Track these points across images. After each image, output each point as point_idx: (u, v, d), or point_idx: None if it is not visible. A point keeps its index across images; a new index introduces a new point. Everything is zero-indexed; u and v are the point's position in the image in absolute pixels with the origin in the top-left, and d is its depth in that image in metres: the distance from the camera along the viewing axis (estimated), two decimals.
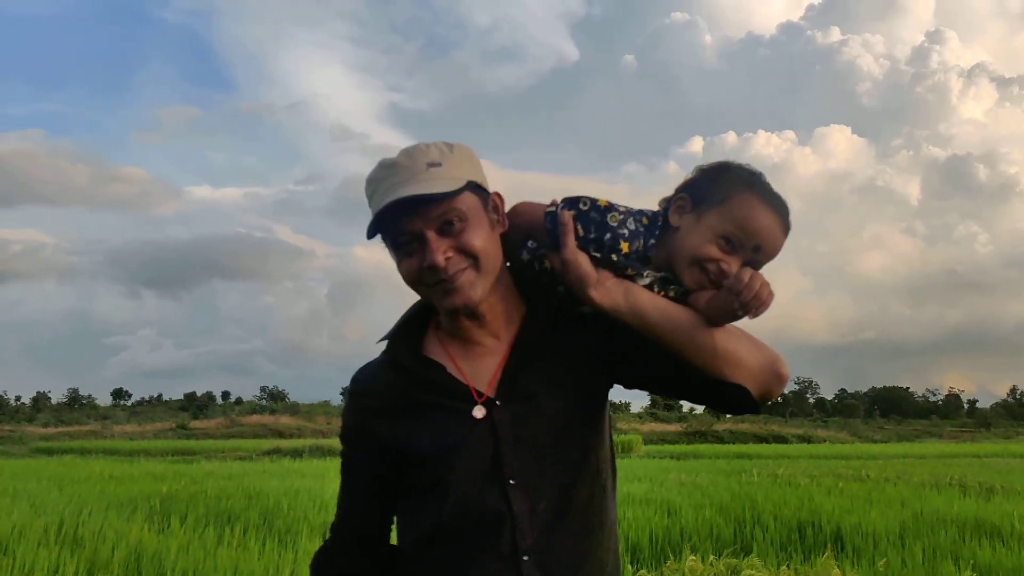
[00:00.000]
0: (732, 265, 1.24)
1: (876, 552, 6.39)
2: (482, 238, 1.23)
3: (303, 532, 7.02)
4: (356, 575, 1.35)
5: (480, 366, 1.28)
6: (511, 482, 1.22)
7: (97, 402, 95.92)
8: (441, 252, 1.19)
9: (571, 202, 1.26)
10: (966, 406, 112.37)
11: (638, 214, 1.29)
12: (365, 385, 1.34)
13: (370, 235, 1.21)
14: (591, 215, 1.25)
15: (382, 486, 1.32)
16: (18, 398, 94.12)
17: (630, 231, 1.26)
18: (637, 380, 1.31)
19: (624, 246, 1.25)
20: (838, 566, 5.53)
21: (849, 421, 74.95)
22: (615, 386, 1.35)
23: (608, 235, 1.24)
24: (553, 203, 1.28)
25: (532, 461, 1.23)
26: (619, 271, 1.26)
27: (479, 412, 1.24)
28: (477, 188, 1.24)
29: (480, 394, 1.26)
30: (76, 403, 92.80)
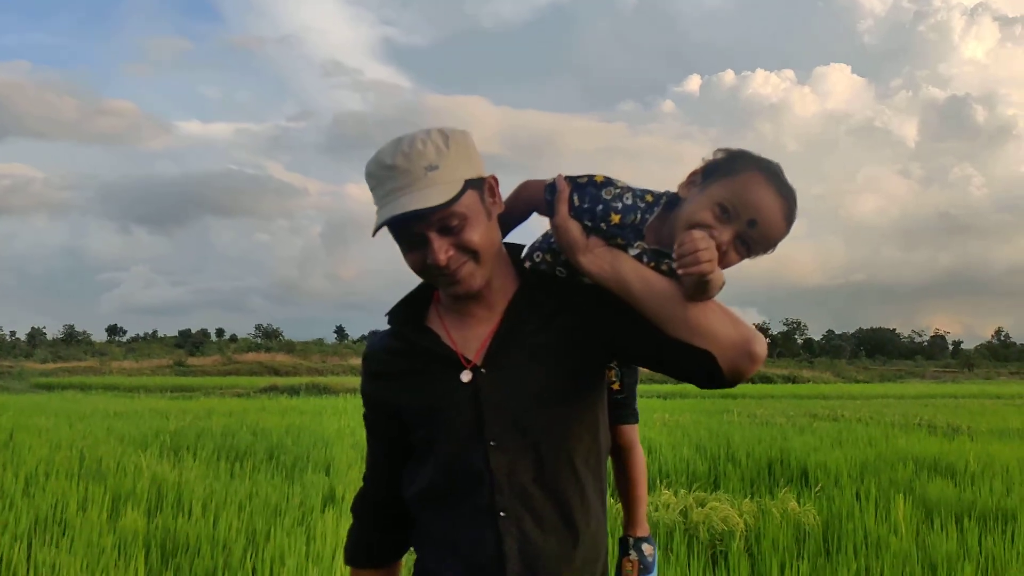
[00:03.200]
0: (723, 234, 1.26)
1: (836, 487, 6.94)
2: (480, 233, 1.28)
3: (308, 468, 7.52)
4: (378, 527, 1.51)
5: (471, 335, 1.36)
6: (491, 443, 1.30)
7: (93, 338, 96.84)
8: (443, 251, 1.27)
9: (572, 177, 1.35)
10: (951, 347, 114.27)
11: (641, 192, 1.34)
12: (371, 350, 1.46)
13: (374, 234, 1.29)
14: (587, 188, 1.33)
15: (394, 447, 1.45)
16: (13, 333, 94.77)
17: (624, 205, 1.31)
18: (624, 355, 1.37)
19: (615, 217, 1.31)
20: (798, 499, 6.07)
21: (834, 362, 76.33)
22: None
23: (600, 206, 1.31)
24: (560, 175, 1.37)
25: (512, 425, 1.31)
26: (610, 240, 1.31)
27: (466, 376, 1.32)
28: (475, 182, 1.29)
29: (468, 360, 1.34)
30: (72, 339, 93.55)
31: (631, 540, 1.70)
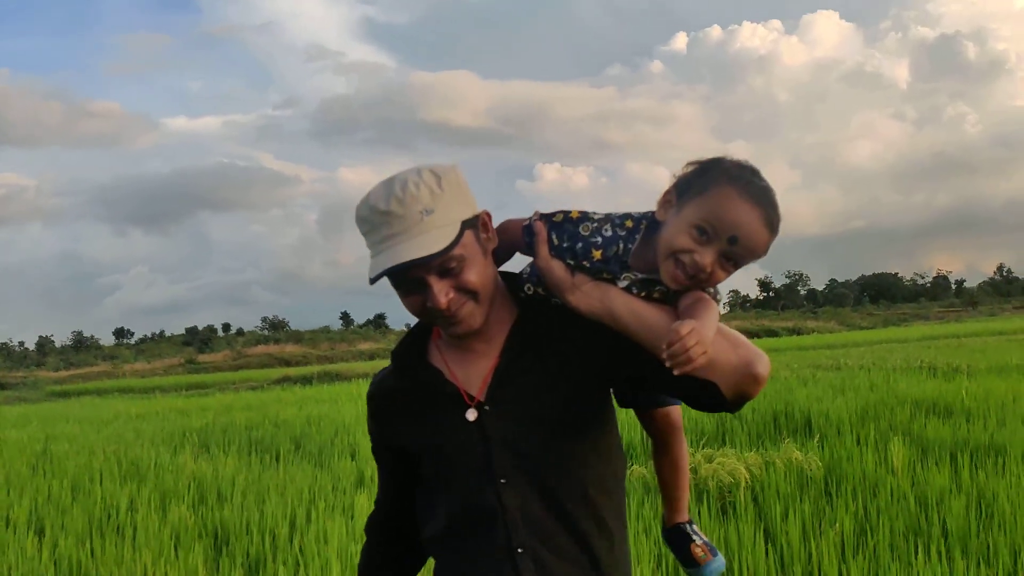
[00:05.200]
0: (705, 256, 1.22)
1: (838, 435, 7.27)
2: (478, 272, 1.28)
3: (334, 455, 7.88)
4: (390, 548, 1.55)
5: (472, 370, 1.35)
6: (502, 481, 1.30)
7: (101, 343, 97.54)
8: (444, 295, 1.26)
9: (547, 216, 1.36)
10: (954, 286, 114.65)
11: (621, 218, 1.32)
12: (374, 390, 1.46)
13: (372, 282, 1.27)
14: (564, 226, 1.33)
15: (402, 478, 1.47)
16: (21, 343, 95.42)
17: (604, 238, 1.30)
18: (624, 382, 1.37)
19: (596, 253, 1.30)
20: (802, 448, 6.40)
21: (838, 310, 76.68)
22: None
23: (580, 244, 1.31)
24: (536, 214, 1.37)
25: (521, 461, 1.30)
26: (597, 275, 1.31)
27: (471, 415, 1.32)
28: (469, 222, 1.29)
29: (472, 397, 1.33)
30: (81, 345, 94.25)
31: (685, 527, 1.66)
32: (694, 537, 1.64)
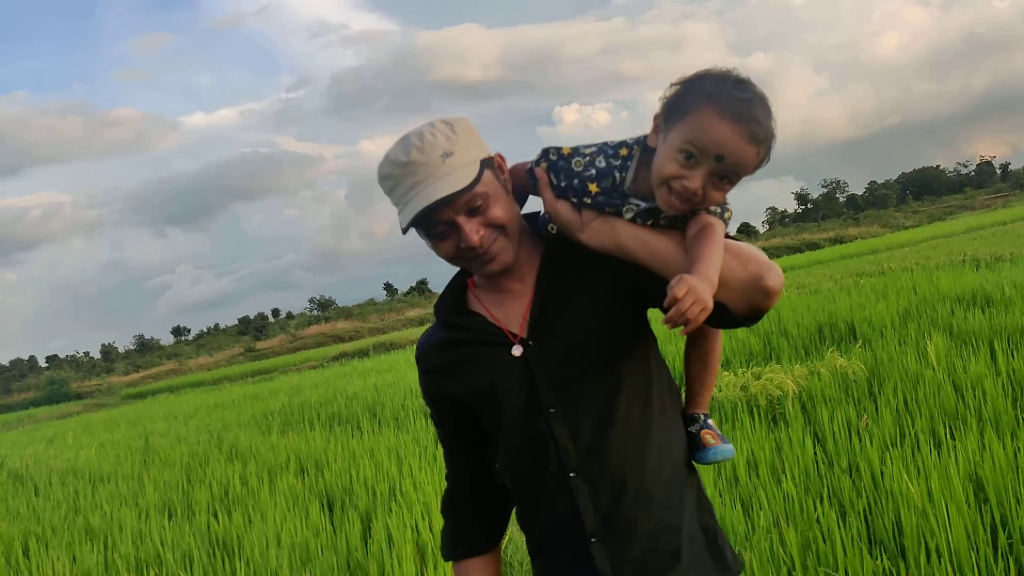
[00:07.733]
0: (694, 180, 1.22)
1: (881, 339, 7.56)
2: (503, 208, 1.34)
3: (410, 418, 8.50)
4: (469, 520, 1.57)
5: (511, 310, 1.41)
6: (551, 410, 1.36)
7: (162, 343, 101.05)
8: (475, 232, 1.31)
9: (544, 154, 1.37)
10: (999, 171, 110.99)
11: (615, 147, 1.32)
12: (422, 350, 1.51)
13: (405, 231, 1.33)
14: (559, 164, 1.34)
15: (465, 439, 1.52)
16: (87, 353, 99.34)
17: (599, 170, 1.31)
18: (653, 302, 1.37)
19: (593, 187, 1.31)
20: (845, 355, 6.74)
21: (881, 213, 75.12)
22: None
23: (576, 180, 1.32)
24: (539, 154, 1.39)
25: (566, 390, 1.36)
26: (600, 210, 1.33)
27: (517, 351, 1.38)
28: (487, 162, 1.34)
29: (515, 335, 1.39)
30: (144, 347, 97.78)
31: (699, 416, 1.67)
32: (708, 426, 1.63)
